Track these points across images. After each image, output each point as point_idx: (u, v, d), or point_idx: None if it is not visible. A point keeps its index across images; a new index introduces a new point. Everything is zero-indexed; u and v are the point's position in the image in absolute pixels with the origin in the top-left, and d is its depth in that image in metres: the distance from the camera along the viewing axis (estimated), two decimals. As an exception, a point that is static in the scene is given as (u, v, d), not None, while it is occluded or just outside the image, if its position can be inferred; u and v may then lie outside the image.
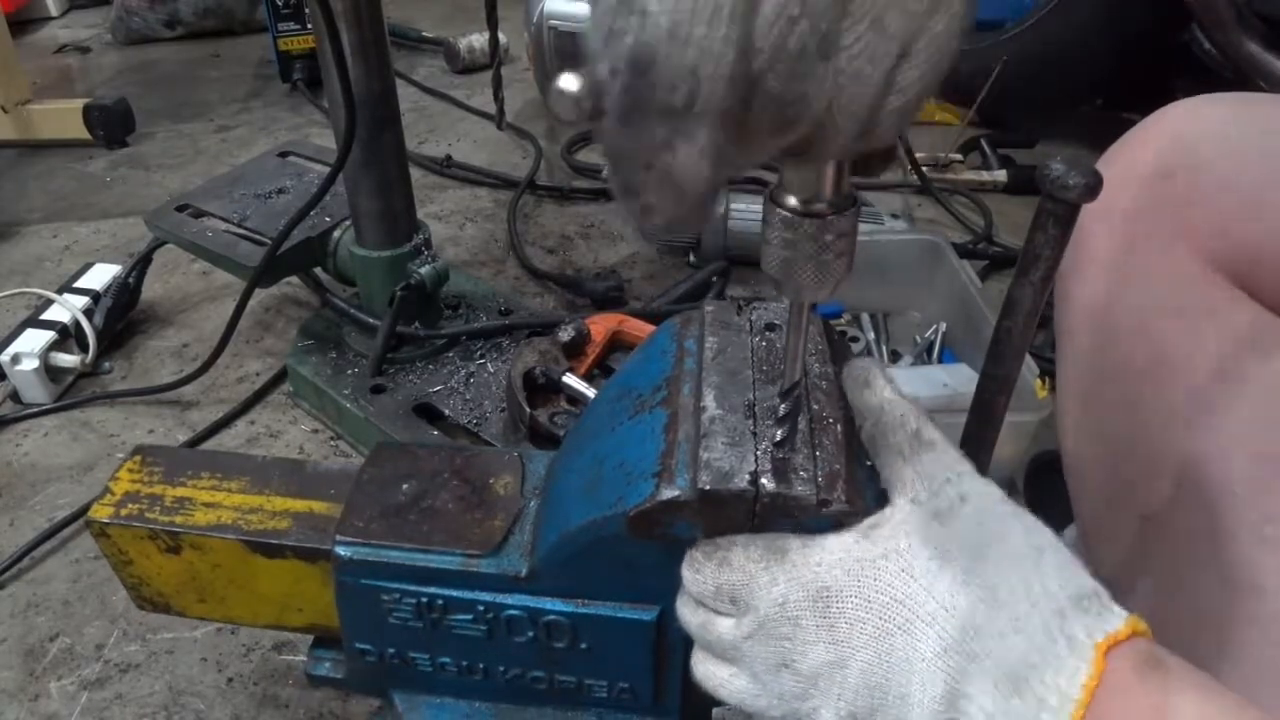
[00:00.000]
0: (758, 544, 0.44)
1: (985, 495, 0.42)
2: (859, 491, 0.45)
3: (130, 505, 0.62)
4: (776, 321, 0.54)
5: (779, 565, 0.43)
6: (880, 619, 0.40)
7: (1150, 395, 0.63)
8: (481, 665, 0.59)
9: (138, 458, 0.66)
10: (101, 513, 0.62)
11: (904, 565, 0.41)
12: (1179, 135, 0.65)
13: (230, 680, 0.91)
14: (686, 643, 0.55)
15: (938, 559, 0.40)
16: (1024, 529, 0.41)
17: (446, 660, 0.59)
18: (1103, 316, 0.67)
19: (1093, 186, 0.42)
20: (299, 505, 0.62)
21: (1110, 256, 0.67)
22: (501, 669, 0.59)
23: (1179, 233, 0.63)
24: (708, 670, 0.47)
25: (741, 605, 0.44)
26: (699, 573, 0.45)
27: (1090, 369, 0.70)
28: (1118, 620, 0.37)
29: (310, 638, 0.68)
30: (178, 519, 0.61)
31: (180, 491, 0.63)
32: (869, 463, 0.48)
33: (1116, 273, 0.66)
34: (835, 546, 0.43)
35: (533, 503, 0.59)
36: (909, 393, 0.48)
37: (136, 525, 0.61)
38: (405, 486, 0.59)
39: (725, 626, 0.45)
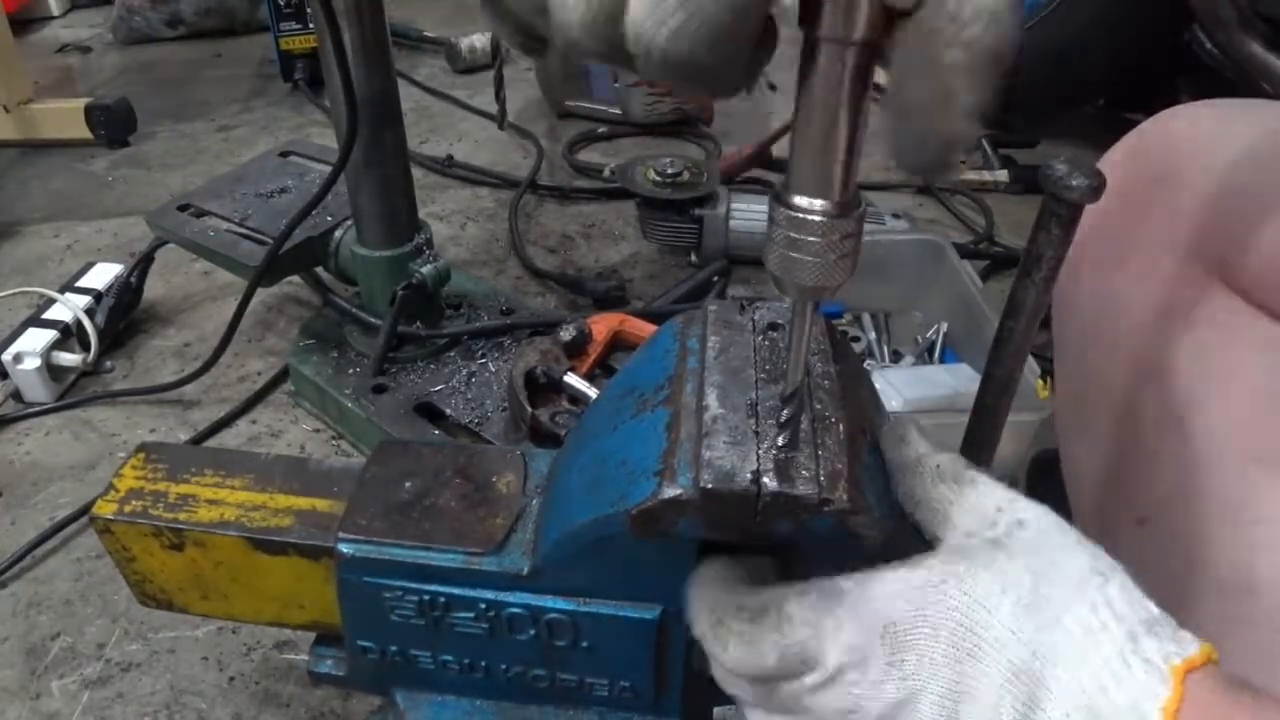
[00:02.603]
0: (810, 592, 0.42)
1: (1042, 519, 0.41)
2: (861, 490, 0.45)
3: (134, 502, 0.62)
4: (779, 321, 0.54)
5: (840, 607, 0.41)
6: (948, 646, 0.39)
7: (1141, 398, 0.63)
8: (483, 663, 0.59)
9: (141, 454, 0.66)
10: (105, 509, 0.62)
11: (966, 589, 0.39)
12: (1171, 141, 0.65)
13: (231, 679, 0.92)
14: (688, 642, 0.55)
15: (999, 582, 0.39)
16: (1086, 553, 0.39)
17: (448, 658, 0.59)
18: (1096, 320, 0.68)
19: (1096, 187, 0.42)
20: (302, 503, 0.62)
21: (1103, 262, 0.67)
22: (503, 667, 0.59)
23: (1170, 238, 0.63)
24: None
25: (810, 661, 0.41)
26: (755, 644, 0.41)
27: (1084, 373, 0.70)
28: (1193, 646, 0.36)
29: (312, 636, 0.68)
30: (181, 516, 0.61)
31: (184, 488, 0.63)
32: (871, 459, 0.48)
33: (1109, 278, 0.67)
34: (891, 578, 0.41)
35: (535, 501, 0.59)
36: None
37: (140, 522, 0.61)
38: (408, 484, 0.59)
39: (789, 688, 0.42)
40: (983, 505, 0.42)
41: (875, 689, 0.40)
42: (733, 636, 0.42)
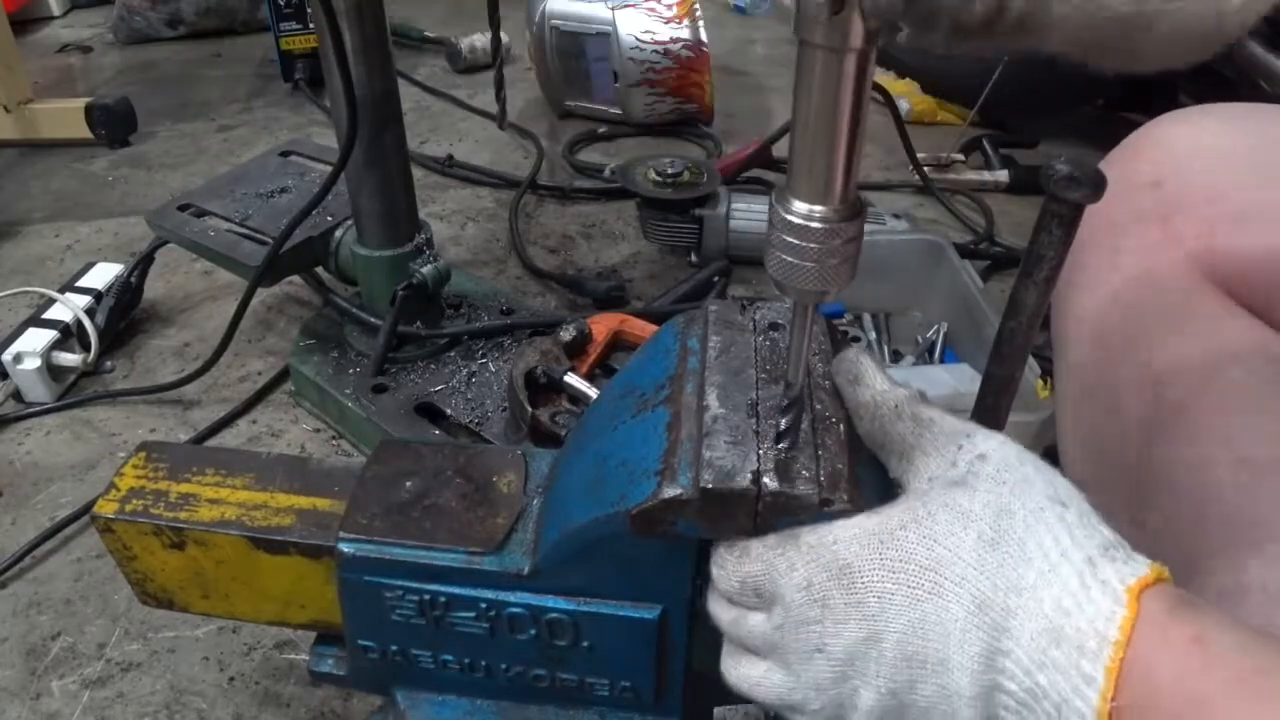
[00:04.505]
0: (772, 534, 0.45)
1: (1002, 449, 0.43)
2: (861, 491, 0.45)
3: (135, 501, 0.62)
4: (780, 321, 0.54)
5: (794, 550, 0.44)
6: (909, 587, 0.41)
7: (1138, 403, 0.64)
8: (484, 663, 0.59)
9: (143, 454, 0.66)
10: (106, 508, 0.62)
11: (925, 532, 0.41)
12: (1170, 146, 0.66)
13: (232, 679, 0.92)
14: (688, 642, 0.55)
15: (960, 520, 0.41)
16: (1045, 482, 0.41)
17: (449, 658, 0.60)
18: (1095, 325, 0.68)
19: (1097, 187, 0.42)
20: (303, 502, 0.62)
21: (1102, 266, 0.67)
22: (504, 667, 0.59)
23: (1169, 242, 0.64)
24: (741, 673, 0.47)
25: (766, 596, 0.44)
26: (723, 568, 0.46)
27: (1084, 377, 0.70)
28: (1144, 566, 0.38)
29: (312, 636, 0.68)
30: (182, 515, 0.61)
31: (185, 488, 0.63)
32: (871, 463, 0.48)
33: (1108, 282, 0.67)
34: (850, 525, 0.43)
35: (535, 501, 0.59)
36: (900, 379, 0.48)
37: (141, 521, 0.61)
38: (409, 484, 0.60)
39: (756, 620, 0.46)
40: (942, 445, 0.44)
41: (837, 627, 0.42)
42: (714, 558, 0.47)
